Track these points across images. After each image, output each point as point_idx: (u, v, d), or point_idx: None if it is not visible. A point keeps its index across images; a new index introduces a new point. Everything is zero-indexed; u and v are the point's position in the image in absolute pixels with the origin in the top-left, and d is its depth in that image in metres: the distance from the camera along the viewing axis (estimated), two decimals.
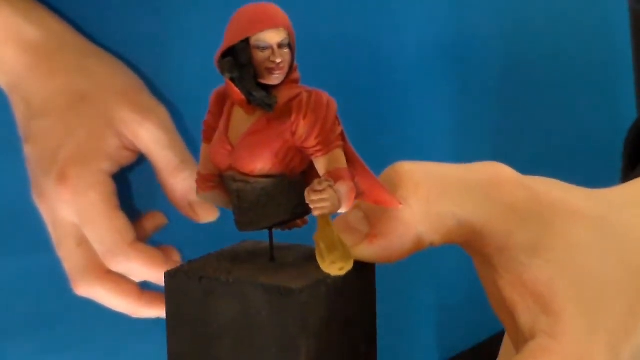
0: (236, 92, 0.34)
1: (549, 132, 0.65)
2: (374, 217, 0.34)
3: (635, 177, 0.41)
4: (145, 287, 0.57)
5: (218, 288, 0.33)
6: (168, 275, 0.35)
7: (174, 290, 0.35)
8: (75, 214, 0.54)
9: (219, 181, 0.36)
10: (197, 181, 0.37)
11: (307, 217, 0.36)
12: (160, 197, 0.57)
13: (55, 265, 0.56)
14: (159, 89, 0.58)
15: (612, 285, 0.33)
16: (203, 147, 0.37)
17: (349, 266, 0.32)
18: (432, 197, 0.34)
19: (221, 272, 0.34)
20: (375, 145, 0.60)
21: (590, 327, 0.32)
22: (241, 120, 0.35)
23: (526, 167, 0.64)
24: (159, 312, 0.57)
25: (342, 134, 0.34)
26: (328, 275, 0.33)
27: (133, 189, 0.59)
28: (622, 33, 0.69)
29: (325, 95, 0.34)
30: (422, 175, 0.34)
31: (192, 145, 0.57)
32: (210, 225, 0.57)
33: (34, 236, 0.58)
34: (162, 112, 0.56)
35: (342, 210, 0.33)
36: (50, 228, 0.56)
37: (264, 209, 0.34)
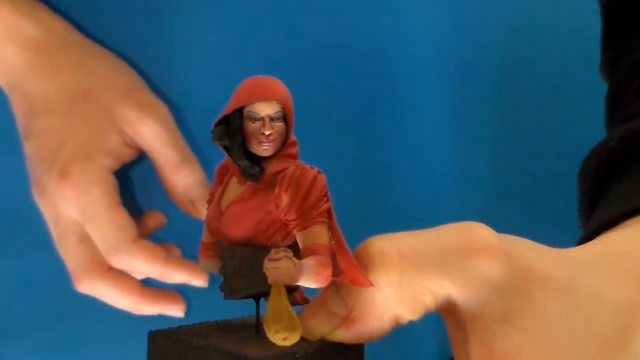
0: (230, 161, 0.34)
1: (548, 133, 0.65)
2: (351, 299, 0.34)
3: (596, 222, 0.41)
4: (146, 285, 0.57)
5: (190, 351, 0.33)
6: (150, 335, 0.35)
7: (154, 351, 0.35)
8: (78, 211, 0.54)
9: None
10: (200, 249, 0.37)
11: (307, 295, 0.36)
12: (160, 194, 0.57)
13: (55, 265, 0.56)
14: (160, 87, 0.58)
15: (579, 355, 0.33)
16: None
17: (294, 338, 0.32)
18: (405, 279, 0.33)
19: (199, 337, 0.34)
20: (376, 145, 0.60)
21: None
22: (233, 189, 0.35)
23: (526, 167, 0.64)
24: (160, 309, 0.57)
25: (328, 211, 0.34)
26: (301, 349, 0.32)
27: (134, 186, 0.59)
28: None
29: (313, 172, 0.34)
30: (394, 256, 0.33)
31: (192, 143, 0.57)
32: None
33: (33, 236, 0.58)
34: (163, 109, 0.57)
35: (306, 283, 0.33)
36: (52, 226, 0.56)
37: (245, 278, 0.34)
